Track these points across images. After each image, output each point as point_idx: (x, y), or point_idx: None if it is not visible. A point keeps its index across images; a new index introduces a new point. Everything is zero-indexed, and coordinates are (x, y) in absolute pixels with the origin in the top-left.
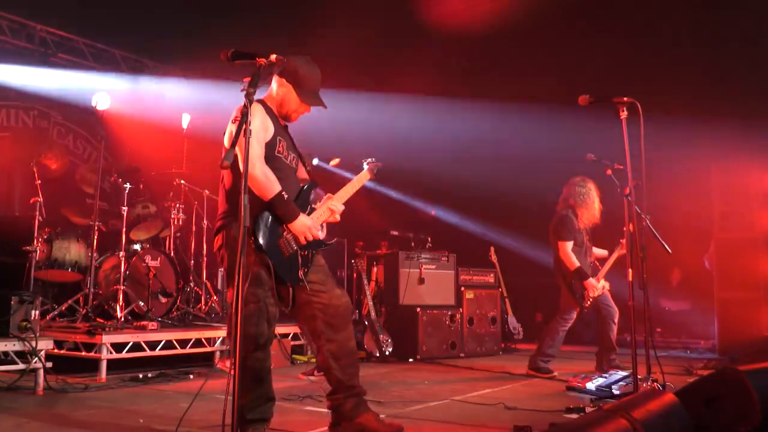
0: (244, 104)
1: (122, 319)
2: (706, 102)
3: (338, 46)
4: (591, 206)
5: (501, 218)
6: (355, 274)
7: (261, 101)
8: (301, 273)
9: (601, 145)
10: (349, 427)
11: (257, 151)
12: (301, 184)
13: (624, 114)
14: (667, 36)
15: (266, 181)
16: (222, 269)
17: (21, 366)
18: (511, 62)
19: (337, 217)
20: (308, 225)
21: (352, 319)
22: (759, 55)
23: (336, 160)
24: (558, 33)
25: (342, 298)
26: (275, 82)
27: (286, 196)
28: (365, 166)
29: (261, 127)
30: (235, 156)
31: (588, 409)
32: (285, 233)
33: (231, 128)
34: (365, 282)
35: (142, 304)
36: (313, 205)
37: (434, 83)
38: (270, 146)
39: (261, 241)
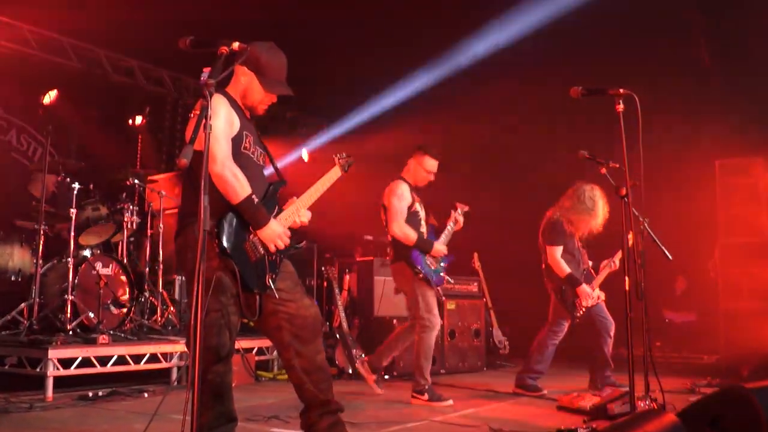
0: (204, 96)
1: (70, 332)
2: (708, 94)
3: None
4: (595, 218)
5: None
6: (325, 283)
7: (224, 92)
8: (268, 279)
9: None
10: None
11: (225, 149)
12: (268, 183)
13: (620, 107)
14: (665, 26)
15: (236, 183)
16: (182, 275)
17: None
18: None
19: (305, 221)
20: (279, 232)
21: (321, 331)
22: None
23: (306, 154)
24: (552, 25)
25: (310, 309)
26: (237, 72)
27: (256, 200)
28: (335, 162)
29: (226, 122)
30: (199, 153)
31: (581, 431)
32: (251, 236)
33: (191, 123)
34: (337, 291)
35: (92, 315)
36: (281, 206)
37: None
38: (236, 142)
39: (225, 244)
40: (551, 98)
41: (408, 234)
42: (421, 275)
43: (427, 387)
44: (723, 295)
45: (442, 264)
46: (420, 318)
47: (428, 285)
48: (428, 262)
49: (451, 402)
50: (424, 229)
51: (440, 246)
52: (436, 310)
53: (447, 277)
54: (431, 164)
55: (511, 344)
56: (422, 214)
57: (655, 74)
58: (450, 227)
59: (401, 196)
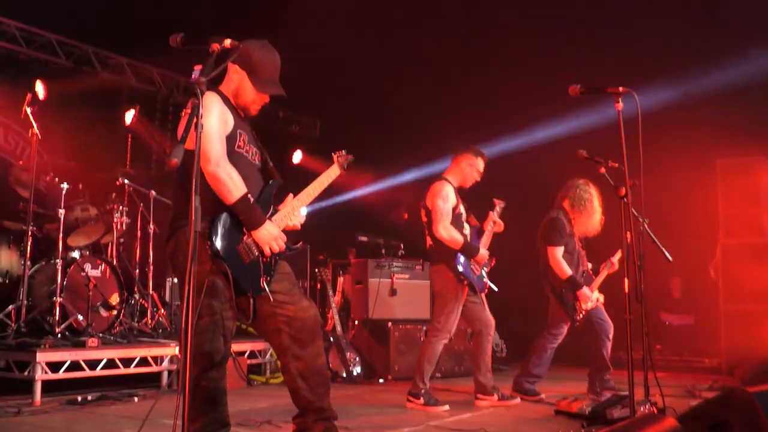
0: (195, 95)
1: (59, 335)
2: (710, 91)
3: None
4: (591, 215)
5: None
6: (318, 285)
7: (218, 91)
8: (263, 282)
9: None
10: None
11: (218, 148)
12: (264, 182)
13: (619, 106)
14: (663, 19)
15: (230, 183)
16: (174, 278)
17: None
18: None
19: (298, 225)
20: (274, 234)
21: (320, 333)
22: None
23: (299, 155)
24: (549, 20)
25: (309, 310)
26: (230, 71)
27: (251, 200)
28: (334, 160)
29: (219, 120)
30: (191, 152)
31: None
32: (245, 237)
33: (183, 121)
34: (330, 293)
35: (81, 318)
36: (276, 206)
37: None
38: (230, 140)
39: (218, 246)
40: (551, 96)
41: (455, 237)
42: (466, 282)
43: (423, 391)
44: (724, 296)
45: (484, 269)
46: (436, 321)
47: (471, 291)
48: (472, 268)
49: (447, 407)
50: (467, 231)
51: (485, 251)
52: (455, 320)
53: (490, 283)
54: (481, 164)
55: (508, 347)
56: (464, 215)
57: (656, 71)
58: (489, 228)
59: (446, 197)
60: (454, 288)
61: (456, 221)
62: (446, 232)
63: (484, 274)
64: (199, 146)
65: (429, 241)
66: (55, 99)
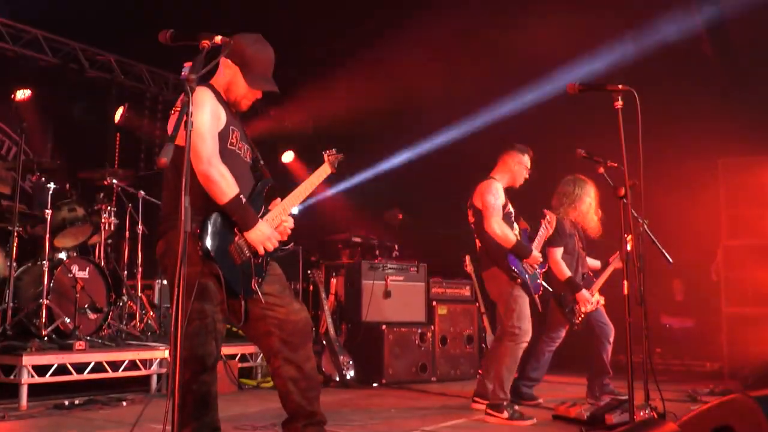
0: (185, 92)
1: (45, 337)
2: (711, 89)
3: None
4: (589, 207)
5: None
6: (311, 287)
7: (209, 86)
8: (254, 283)
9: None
10: None
11: (211, 146)
12: (254, 181)
13: (619, 104)
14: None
15: (223, 182)
16: (163, 280)
17: None
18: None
19: (291, 226)
20: (267, 234)
21: (311, 336)
22: None
23: (290, 156)
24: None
25: (300, 313)
26: (221, 65)
27: (244, 200)
28: (325, 159)
29: (212, 116)
30: (181, 149)
31: None
32: (237, 238)
33: (172, 119)
34: (323, 296)
35: (68, 320)
36: (267, 207)
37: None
38: (222, 137)
39: (209, 247)
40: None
41: (507, 234)
42: (519, 280)
43: (506, 403)
44: (726, 299)
45: (537, 270)
46: (510, 326)
47: (525, 291)
48: (524, 267)
49: (534, 420)
50: (516, 231)
51: (537, 254)
52: (529, 320)
53: (544, 284)
54: (528, 161)
55: None
56: (514, 216)
57: (656, 70)
58: (541, 233)
59: (497, 194)
60: (509, 288)
61: (506, 220)
62: (500, 228)
63: (538, 275)
64: (189, 144)
65: (478, 243)
66: (41, 97)
